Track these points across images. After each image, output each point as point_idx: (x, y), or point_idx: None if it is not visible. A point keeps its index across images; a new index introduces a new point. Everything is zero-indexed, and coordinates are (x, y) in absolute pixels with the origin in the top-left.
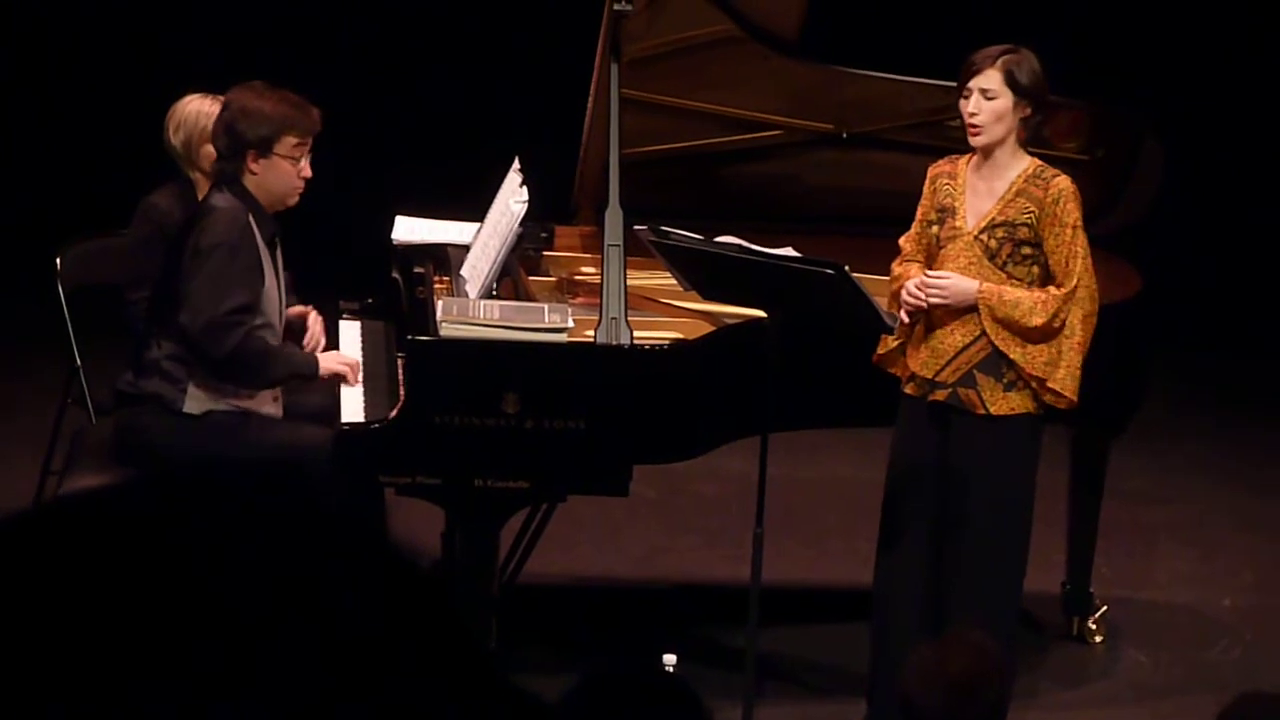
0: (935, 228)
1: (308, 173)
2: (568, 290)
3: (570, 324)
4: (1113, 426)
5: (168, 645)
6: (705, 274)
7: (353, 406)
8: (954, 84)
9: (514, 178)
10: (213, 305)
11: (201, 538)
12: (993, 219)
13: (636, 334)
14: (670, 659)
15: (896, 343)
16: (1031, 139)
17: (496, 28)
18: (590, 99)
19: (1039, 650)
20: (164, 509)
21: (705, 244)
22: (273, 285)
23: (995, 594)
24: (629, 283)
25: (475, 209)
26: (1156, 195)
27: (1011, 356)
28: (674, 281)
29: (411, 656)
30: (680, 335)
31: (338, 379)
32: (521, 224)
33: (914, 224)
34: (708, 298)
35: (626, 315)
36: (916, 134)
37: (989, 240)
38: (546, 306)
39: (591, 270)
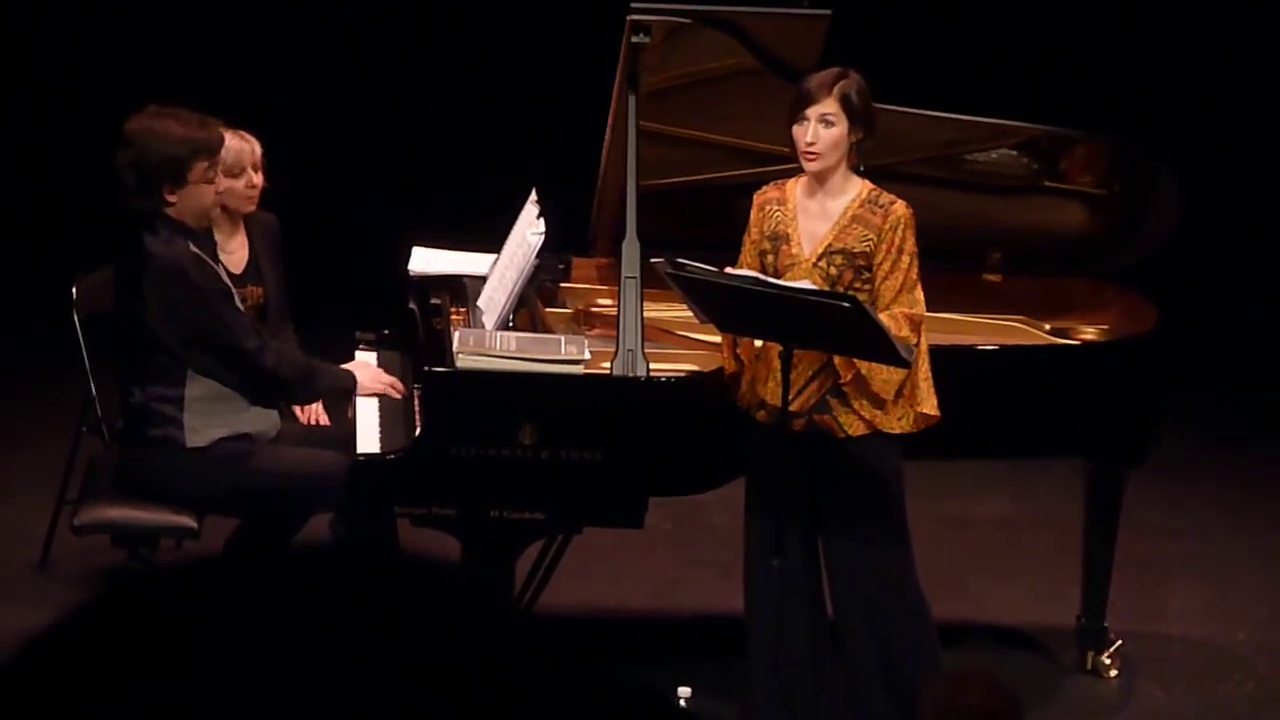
0: (770, 256)
1: (222, 187)
2: (584, 322)
3: (587, 356)
4: (1129, 461)
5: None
6: (721, 306)
7: (368, 437)
8: (972, 118)
9: (531, 209)
10: (231, 344)
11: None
12: (829, 245)
13: (653, 366)
14: (685, 692)
15: (733, 371)
16: (1048, 172)
17: (514, 59)
18: (608, 131)
19: (1053, 684)
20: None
21: (721, 276)
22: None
23: (899, 627)
24: (645, 315)
25: (492, 240)
26: (1173, 229)
27: (874, 388)
28: (690, 314)
29: (428, 685)
30: (696, 367)
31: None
32: (538, 255)
33: (742, 253)
34: (724, 330)
35: (643, 347)
36: (931, 167)
37: (829, 267)
38: (563, 338)
39: (608, 302)
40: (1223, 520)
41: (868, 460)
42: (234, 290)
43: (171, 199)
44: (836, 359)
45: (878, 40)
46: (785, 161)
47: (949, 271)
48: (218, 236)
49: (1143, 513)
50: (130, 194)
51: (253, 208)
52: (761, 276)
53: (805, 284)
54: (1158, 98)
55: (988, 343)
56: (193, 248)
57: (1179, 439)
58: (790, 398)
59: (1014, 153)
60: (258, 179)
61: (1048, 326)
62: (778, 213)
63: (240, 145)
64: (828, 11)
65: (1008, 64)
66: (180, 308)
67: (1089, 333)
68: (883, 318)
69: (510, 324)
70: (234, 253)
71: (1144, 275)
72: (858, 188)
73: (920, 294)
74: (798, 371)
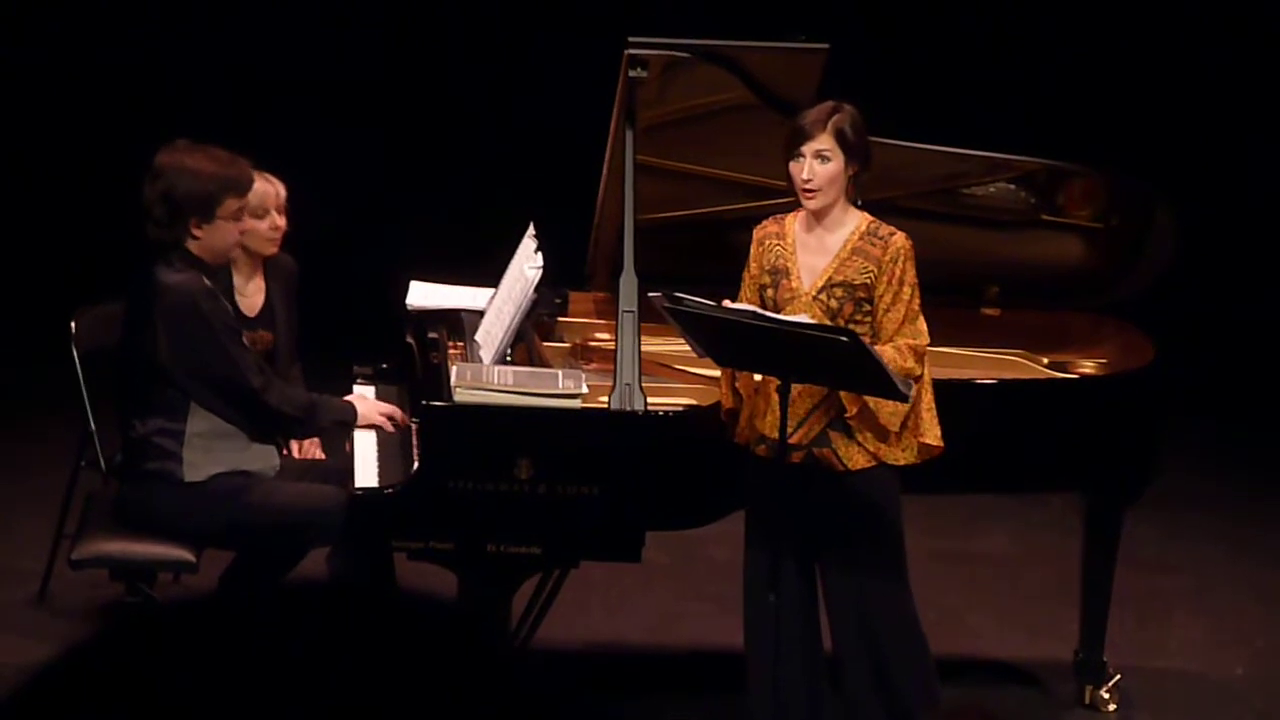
0: (770, 290)
1: (247, 227)
2: (582, 356)
3: (584, 390)
4: (1127, 495)
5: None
6: (719, 340)
7: (366, 471)
8: (970, 151)
9: (529, 243)
10: (237, 381)
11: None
12: (830, 278)
13: (650, 400)
14: None
15: (730, 407)
16: (1046, 206)
17: (511, 93)
18: (605, 165)
19: (1051, 718)
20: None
21: (719, 310)
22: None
23: (897, 660)
24: (643, 348)
25: (490, 274)
26: (1171, 264)
27: (880, 420)
28: (688, 348)
29: None
30: (694, 401)
31: (372, 428)
32: (536, 289)
33: (741, 288)
34: (722, 364)
35: (640, 381)
36: (928, 201)
37: (829, 300)
38: (561, 372)
39: (605, 336)
40: (1221, 554)
41: (867, 493)
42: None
43: (198, 234)
44: (843, 392)
45: (874, 74)
46: (783, 195)
47: (947, 306)
48: (236, 278)
49: (1141, 547)
50: (157, 225)
51: (274, 250)
52: (759, 310)
53: (803, 318)
54: (1156, 132)
55: (986, 377)
56: (205, 281)
57: (1177, 473)
58: (790, 431)
59: (1011, 186)
60: (281, 221)
61: (1046, 360)
62: (777, 247)
63: (265, 187)
64: (825, 45)
65: (1005, 97)
66: (189, 340)
67: (1087, 366)
68: (888, 349)
69: (508, 358)
70: (250, 296)
71: (1141, 309)
72: (856, 220)
73: (923, 324)
74: (798, 405)
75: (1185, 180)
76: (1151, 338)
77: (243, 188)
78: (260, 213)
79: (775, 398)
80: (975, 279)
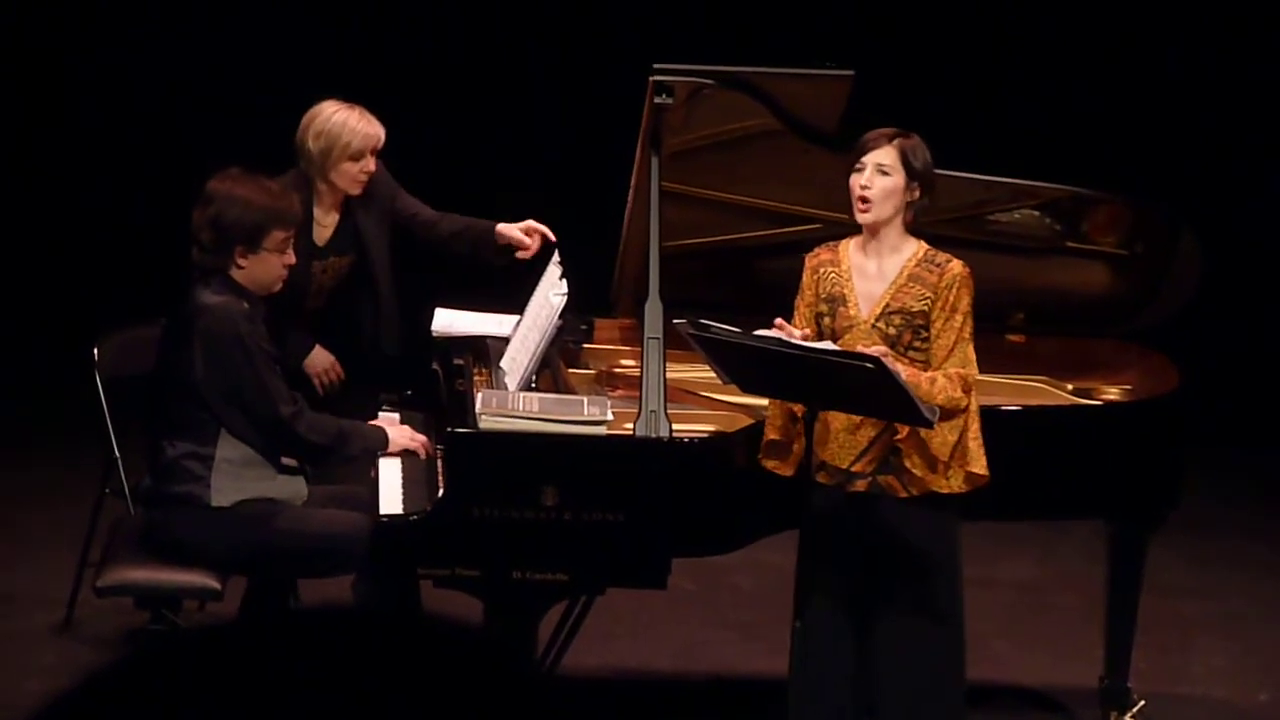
0: (828, 319)
1: (292, 260)
2: (607, 383)
3: (609, 417)
4: (1151, 521)
5: None
6: (744, 367)
7: (391, 498)
8: (994, 178)
9: (554, 270)
10: (267, 408)
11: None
12: (887, 305)
13: (675, 427)
14: None
15: (775, 438)
16: (1071, 233)
17: (536, 119)
18: (630, 191)
19: None
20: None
21: (744, 337)
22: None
23: (938, 678)
24: (668, 375)
25: (515, 301)
26: (1195, 291)
27: (931, 448)
28: (713, 374)
29: None
30: (719, 428)
31: (402, 455)
32: (561, 316)
33: (794, 317)
34: (747, 391)
35: (666, 408)
36: (954, 228)
37: (887, 328)
38: (586, 399)
39: (631, 363)
40: (1246, 580)
41: (927, 523)
42: (313, 261)
43: (243, 263)
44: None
45: (899, 101)
46: (808, 222)
47: (971, 332)
48: (316, 210)
49: (1165, 573)
50: (203, 250)
51: (359, 191)
52: (784, 337)
53: (827, 344)
54: (1180, 158)
55: (1010, 403)
56: (245, 305)
57: (1202, 498)
58: (854, 459)
59: (1036, 213)
60: (373, 165)
61: (1070, 387)
62: (832, 274)
63: (369, 130)
64: (850, 72)
65: (1030, 124)
66: (224, 361)
67: (1111, 393)
68: (939, 377)
69: (533, 385)
70: (327, 227)
71: (1166, 335)
72: (914, 247)
73: (972, 353)
74: (862, 432)
75: (1208, 202)
76: (1176, 363)
77: (290, 221)
78: (359, 155)
79: (837, 425)
80: (1000, 305)
